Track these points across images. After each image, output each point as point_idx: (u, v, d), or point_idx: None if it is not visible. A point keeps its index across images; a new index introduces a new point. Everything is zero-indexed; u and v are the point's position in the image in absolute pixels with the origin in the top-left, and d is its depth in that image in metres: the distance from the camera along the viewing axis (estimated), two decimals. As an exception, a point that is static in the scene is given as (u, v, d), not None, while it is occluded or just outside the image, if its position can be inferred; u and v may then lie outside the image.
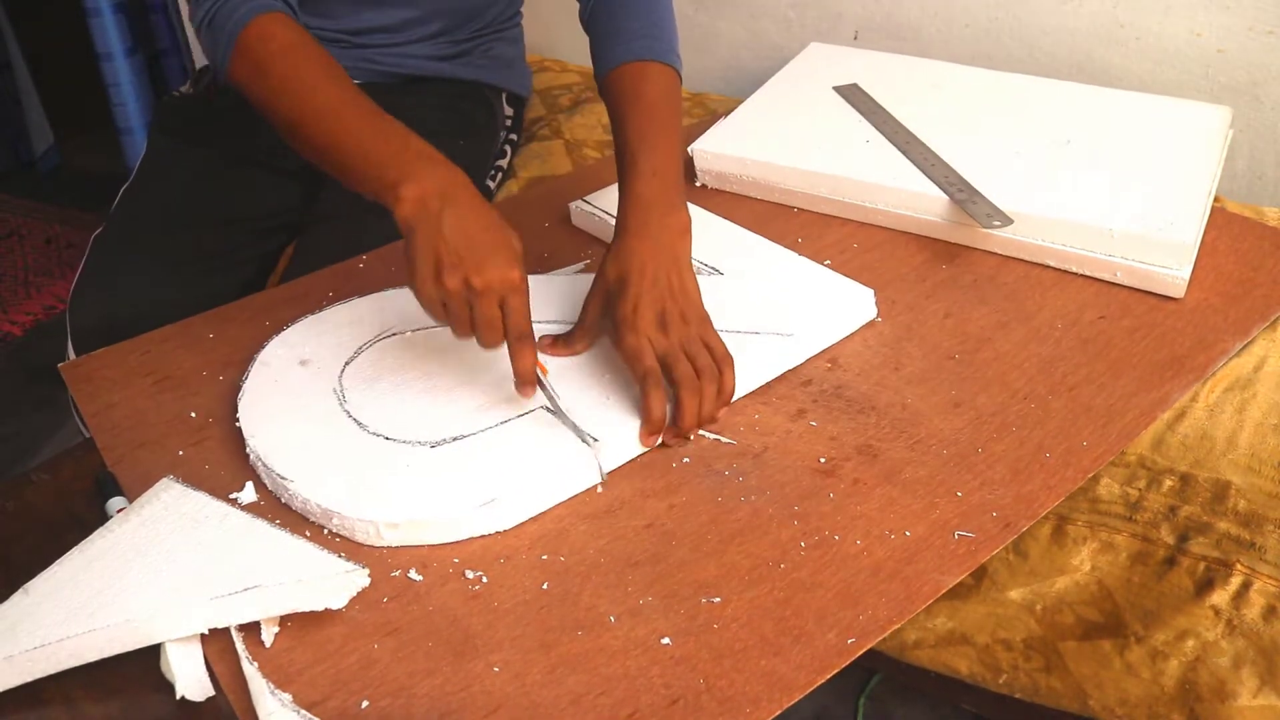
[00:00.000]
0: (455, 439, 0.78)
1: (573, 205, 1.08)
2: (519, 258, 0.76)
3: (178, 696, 0.64)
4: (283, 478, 0.75)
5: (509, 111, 1.35)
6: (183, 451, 0.81)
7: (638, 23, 0.95)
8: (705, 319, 0.84)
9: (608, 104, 0.94)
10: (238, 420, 0.81)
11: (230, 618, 0.66)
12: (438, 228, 0.74)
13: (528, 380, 0.77)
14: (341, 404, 0.82)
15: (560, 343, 0.87)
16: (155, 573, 0.67)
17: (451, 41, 1.25)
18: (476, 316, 0.75)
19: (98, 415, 0.85)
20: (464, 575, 0.70)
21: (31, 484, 0.83)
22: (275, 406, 0.82)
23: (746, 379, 0.84)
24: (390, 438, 0.79)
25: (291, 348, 0.89)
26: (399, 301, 0.93)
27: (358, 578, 0.68)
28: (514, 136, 1.36)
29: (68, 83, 2.43)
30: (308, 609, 0.66)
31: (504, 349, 0.77)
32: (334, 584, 0.67)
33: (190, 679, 0.65)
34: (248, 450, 0.79)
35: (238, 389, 0.85)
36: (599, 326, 0.87)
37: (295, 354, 0.88)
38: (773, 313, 0.89)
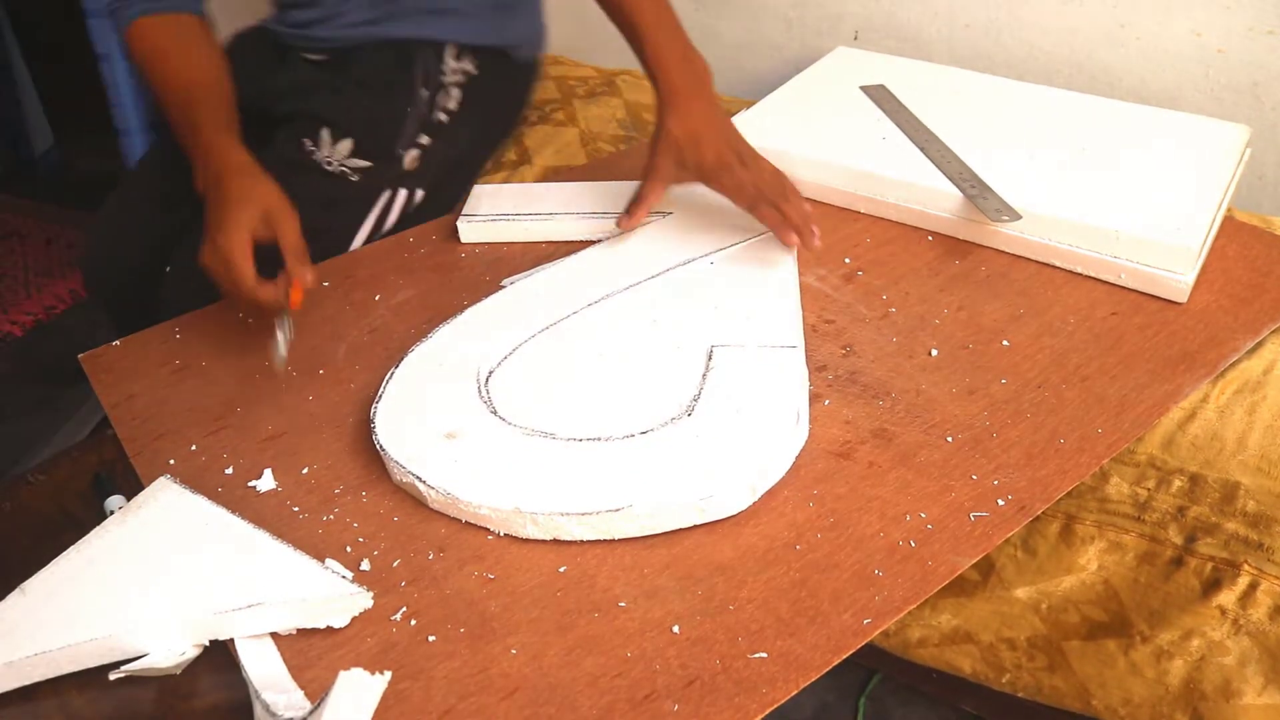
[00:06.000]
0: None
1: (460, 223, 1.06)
2: (235, 227, 0.84)
3: (178, 661, 0.65)
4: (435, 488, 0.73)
5: (456, 65, 1.20)
6: (202, 441, 0.81)
7: None
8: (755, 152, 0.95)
9: None
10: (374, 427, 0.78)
11: (230, 633, 0.65)
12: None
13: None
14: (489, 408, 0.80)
15: (634, 202, 0.96)
16: (155, 584, 0.66)
17: (373, 2, 1.16)
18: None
19: (118, 406, 0.86)
20: (480, 558, 0.70)
21: (28, 484, 0.83)
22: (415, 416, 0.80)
23: None
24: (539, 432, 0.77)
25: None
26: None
27: (360, 599, 0.67)
28: (456, 92, 1.20)
29: (68, 83, 2.43)
30: (309, 626, 0.66)
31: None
32: (337, 605, 0.66)
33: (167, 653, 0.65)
34: (389, 462, 0.76)
35: (252, 377, 0.85)
36: (671, 178, 0.96)
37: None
38: None
